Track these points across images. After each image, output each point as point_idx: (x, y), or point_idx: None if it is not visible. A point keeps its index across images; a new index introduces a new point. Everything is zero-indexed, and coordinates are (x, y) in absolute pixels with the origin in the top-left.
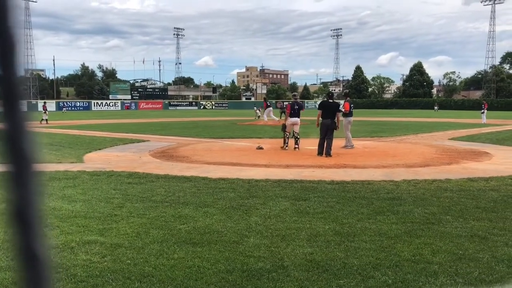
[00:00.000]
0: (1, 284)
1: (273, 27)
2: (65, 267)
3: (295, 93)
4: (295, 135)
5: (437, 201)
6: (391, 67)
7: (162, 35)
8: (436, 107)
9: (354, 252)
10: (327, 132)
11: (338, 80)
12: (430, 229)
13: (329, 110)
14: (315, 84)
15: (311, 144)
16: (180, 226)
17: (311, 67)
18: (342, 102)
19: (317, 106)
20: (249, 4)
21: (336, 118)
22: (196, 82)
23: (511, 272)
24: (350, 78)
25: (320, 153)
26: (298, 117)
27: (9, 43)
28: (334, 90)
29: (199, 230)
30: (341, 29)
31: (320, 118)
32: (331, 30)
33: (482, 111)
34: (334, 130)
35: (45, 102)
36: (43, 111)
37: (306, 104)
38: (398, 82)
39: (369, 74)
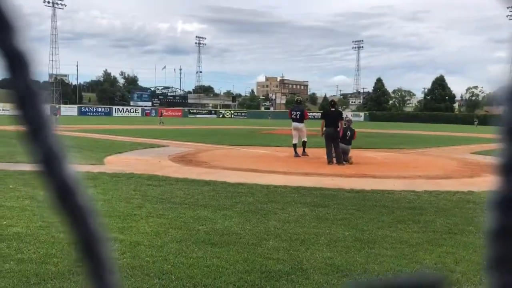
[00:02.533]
0: (23, 275)
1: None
2: None
3: (299, 97)
4: (303, 140)
5: (460, 212)
6: (412, 82)
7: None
8: (476, 122)
9: (374, 258)
10: (332, 141)
11: (359, 92)
12: (453, 239)
13: (331, 119)
14: (335, 96)
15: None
16: (199, 227)
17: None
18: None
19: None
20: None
21: (339, 126)
22: (216, 91)
23: None
24: (370, 90)
25: (330, 161)
26: (300, 122)
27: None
28: (354, 102)
29: (217, 231)
30: (362, 41)
31: (324, 127)
32: (352, 41)
33: None
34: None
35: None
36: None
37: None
38: (420, 96)
39: (390, 87)
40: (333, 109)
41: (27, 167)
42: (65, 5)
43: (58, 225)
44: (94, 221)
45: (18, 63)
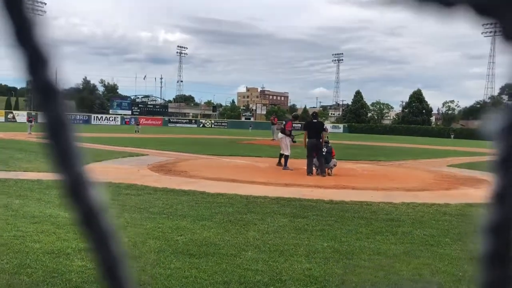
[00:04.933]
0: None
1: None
2: (60, 272)
3: (296, 113)
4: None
5: (436, 224)
6: (391, 95)
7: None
8: (452, 135)
9: (352, 270)
10: (314, 152)
11: (338, 104)
12: (429, 251)
13: (314, 130)
14: (315, 107)
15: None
16: (177, 238)
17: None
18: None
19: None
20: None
21: (321, 138)
22: (197, 100)
23: None
24: (350, 103)
25: (309, 172)
26: (281, 133)
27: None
28: (334, 114)
29: (196, 242)
30: (342, 54)
31: (307, 139)
32: (332, 54)
33: None
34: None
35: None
36: (28, 123)
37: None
38: (398, 109)
39: (368, 100)
40: (315, 120)
41: (1, 174)
42: (45, 12)
43: (32, 235)
44: (116, 244)
45: (48, 91)
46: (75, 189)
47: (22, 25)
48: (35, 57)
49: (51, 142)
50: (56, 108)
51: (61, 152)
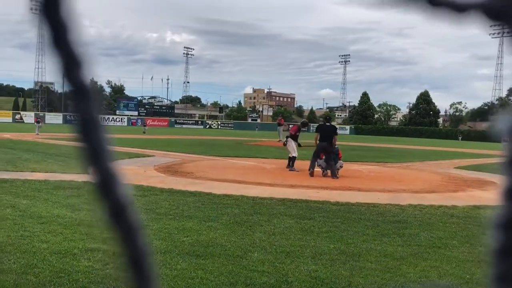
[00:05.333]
0: (3, 286)
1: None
2: (67, 272)
3: (304, 120)
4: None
5: (443, 226)
6: (398, 96)
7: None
8: (460, 137)
9: (359, 272)
10: (321, 154)
11: (345, 106)
12: (436, 253)
13: (325, 133)
14: (321, 109)
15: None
16: (183, 239)
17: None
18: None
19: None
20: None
21: (333, 141)
22: (203, 101)
23: None
24: (356, 104)
25: (311, 173)
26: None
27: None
28: (340, 115)
29: (202, 243)
30: (349, 55)
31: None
32: (339, 55)
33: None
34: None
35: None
36: (36, 124)
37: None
38: (405, 110)
39: (375, 101)
40: (328, 124)
41: (9, 175)
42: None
43: (40, 235)
44: (142, 238)
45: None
46: (105, 185)
47: (59, 27)
48: (70, 59)
49: (83, 141)
50: (89, 109)
51: (93, 150)
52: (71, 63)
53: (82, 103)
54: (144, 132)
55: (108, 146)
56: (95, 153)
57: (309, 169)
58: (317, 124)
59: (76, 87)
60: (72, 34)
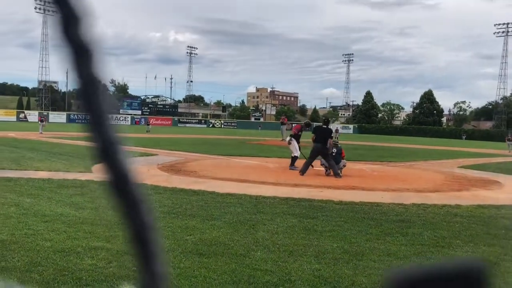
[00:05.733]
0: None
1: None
2: (71, 270)
3: (307, 120)
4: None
5: (447, 226)
6: (401, 96)
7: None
8: (464, 136)
9: (362, 271)
10: (317, 156)
11: (348, 105)
12: (440, 252)
13: (321, 135)
14: (325, 108)
15: (318, 164)
16: (187, 237)
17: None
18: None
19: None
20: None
21: (328, 144)
22: (207, 100)
23: None
24: (360, 103)
25: (302, 173)
26: (290, 137)
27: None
28: (344, 114)
29: (205, 241)
30: (352, 54)
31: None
32: (343, 55)
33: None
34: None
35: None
36: (40, 123)
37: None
38: (408, 109)
39: (379, 100)
40: (325, 126)
41: (13, 173)
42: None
43: (43, 233)
44: (146, 211)
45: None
46: (118, 181)
47: (70, 20)
48: (80, 53)
49: (95, 138)
50: (100, 105)
51: (104, 146)
52: (81, 54)
53: (93, 96)
54: (148, 131)
55: (120, 141)
56: (106, 149)
57: (300, 171)
58: (315, 125)
59: (86, 80)
60: (84, 25)
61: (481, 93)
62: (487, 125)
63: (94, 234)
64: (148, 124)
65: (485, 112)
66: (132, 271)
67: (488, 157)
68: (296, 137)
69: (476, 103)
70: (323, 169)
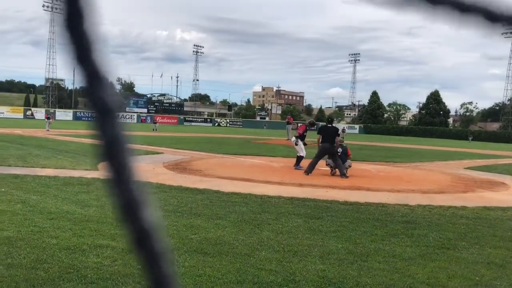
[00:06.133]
0: (13, 280)
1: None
2: (76, 268)
3: (311, 120)
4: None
5: (453, 227)
6: (408, 96)
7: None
8: (470, 137)
9: (367, 272)
10: (324, 155)
11: (354, 105)
12: (445, 254)
13: (328, 135)
14: (331, 108)
15: (323, 164)
16: (191, 236)
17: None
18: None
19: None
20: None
21: (335, 142)
22: (212, 99)
23: None
24: (366, 103)
25: (308, 173)
26: (295, 138)
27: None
28: (350, 114)
29: (210, 240)
30: (359, 54)
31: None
32: (349, 54)
33: None
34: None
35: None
36: (47, 120)
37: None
38: (415, 110)
39: (385, 101)
40: (330, 126)
41: (20, 170)
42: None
43: (49, 231)
44: (167, 266)
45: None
46: (120, 180)
47: (76, 17)
48: (85, 50)
49: (107, 162)
50: (106, 102)
51: (110, 145)
52: (86, 50)
53: (99, 94)
54: (154, 130)
55: (127, 140)
56: (112, 148)
57: (305, 171)
58: (320, 125)
59: (91, 77)
60: (89, 22)
61: (488, 94)
62: (494, 126)
63: (99, 232)
64: (155, 123)
65: (492, 113)
66: (136, 270)
67: (494, 158)
68: (302, 137)
69: (483, 104)
70: (329, 169)
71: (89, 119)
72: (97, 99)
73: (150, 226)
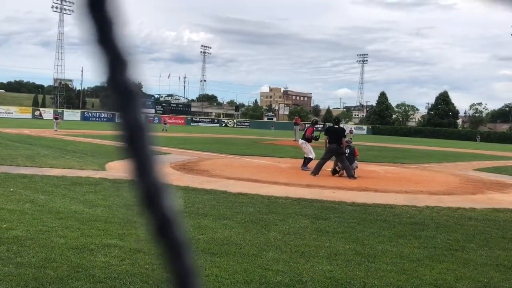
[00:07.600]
0: (22, 279)
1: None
2: (84, 267)
3: (315, 118)
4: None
5: (461, 229)
6: (416, 97)
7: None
8: (478, 138)
9: (374, 273)
10: (331, 156)
11: (362, 106)
12: (453, 256)
13: (335, 135)
14: (338, 108)
15: (330, 165)
16: (199, 236)
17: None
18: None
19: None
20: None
21: (342, 143)
22: (220, 100)
23: None
24: (374, 104)
25: (315, 174)
26: (302, 140)
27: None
28: (358, 115)
29: (217, 241)
30: (367, 54)
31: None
32: (357, 55)
33: None
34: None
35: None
36: (55, 120)
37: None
38: (423, 111)
39: (393, 101)
40: (337, 126)
41: (28, 170)
42: (73, 11)
43: (58, 230)
44: (189, 257)
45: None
46: (150, 196)
47: (105, 24)
48: (115, 57)
49: (128, 147)
50: (134, 110)
51: (139, 160)
52: (117, 61)
53: (128, 106)
54: (164, 130)
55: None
56: (134, 133)
57: (312, 172)
58: (326, 127)
59: (121, 88)
60: (118, 31)
61: (498, 95)
62: (503, 127)
63: (107, 232)
64: (165, 123)
65: (501, 114)
66: (144, 269)
67: (504, 159)
68: (309, 140)
69: (493, 105)
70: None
71: (110, 105)
72: (120, 83)
73: (173, 215)
